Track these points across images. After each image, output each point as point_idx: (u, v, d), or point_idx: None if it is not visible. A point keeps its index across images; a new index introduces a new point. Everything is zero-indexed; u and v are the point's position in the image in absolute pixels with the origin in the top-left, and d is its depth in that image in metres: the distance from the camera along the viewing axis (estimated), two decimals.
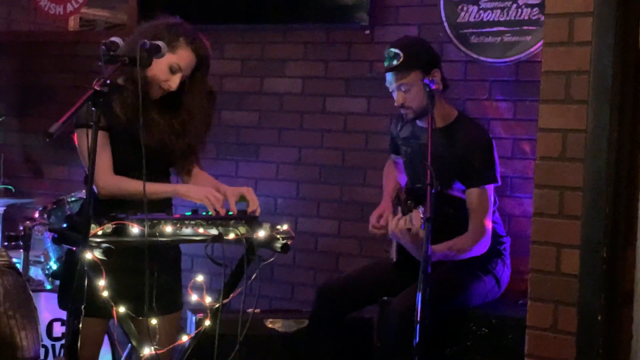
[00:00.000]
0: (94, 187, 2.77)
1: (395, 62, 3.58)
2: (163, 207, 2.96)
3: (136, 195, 2.77)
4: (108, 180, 2.86)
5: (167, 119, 2.97)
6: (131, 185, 2.84)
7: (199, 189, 2.90)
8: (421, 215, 3.12)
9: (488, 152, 3.60)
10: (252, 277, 2.77)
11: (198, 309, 3.68)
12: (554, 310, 2.87)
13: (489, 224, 3.59)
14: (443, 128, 3.62)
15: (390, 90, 3.67)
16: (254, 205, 2.85)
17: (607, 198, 2.75)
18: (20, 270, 4.03)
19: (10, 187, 3.92)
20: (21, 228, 4.16)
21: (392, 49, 3.60)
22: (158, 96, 2.97)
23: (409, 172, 3.86)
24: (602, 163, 2.75)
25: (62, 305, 2.99)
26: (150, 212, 2.67)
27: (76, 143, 2.90)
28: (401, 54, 3.56)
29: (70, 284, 2.53)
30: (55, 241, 2.69)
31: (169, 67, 2.90)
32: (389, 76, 3.63)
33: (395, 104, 3.66)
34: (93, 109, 2.47)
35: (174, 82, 2.93)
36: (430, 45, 3.76)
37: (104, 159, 2.85)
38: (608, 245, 2.76)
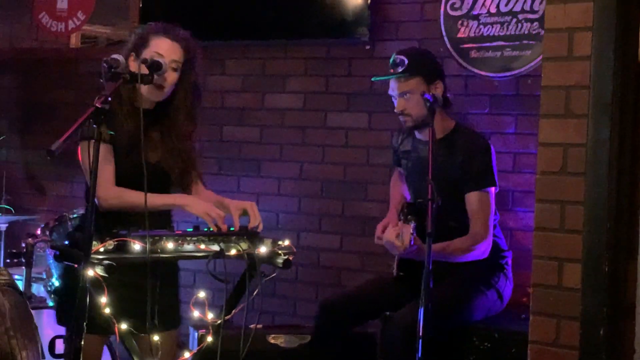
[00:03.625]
0: (95, 199, 2.77)
1: (399, 69, 3.60)
2: (163, 223, 2.95)
3: (137, 207, 2.76)
4: (109, 191, 2.85)
5: (165, 135, 2.97)
6: (132, 197, 2.82)
7: (200, 202, 2.88)
8: (411, 232, 3.13)
9: (486, 156, 3.61)
10: (254, 293, 2.77)
11: (200, 324, 3.68)
12: (557, 325, 2.87)
13: (489, 228, 3.57)
14: (442, 139, 3.63)
15: (392, 96, 3.68)
16: (255, 221, 2.84)
17: (608, 212, 2.76)
18: (23, 287, 4.06)
19: (9, 207, 3.92)
20: (23, 245, 4.15)
21: (397, 56, 3.63)
22: (150, 105, 2.95)
23: (410, 185, 3.87)
24: (603, 177, 2.75)
25: (60, 321, 2.99)
26: (151, 227, 2.67)
27: (79, 156, 2.90)
28: (406, 60, 3.58)
29: (70, 300, 2.53)
30: (57, 258, 2.68)
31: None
32: (392, 82, 3.65)
33: (395, 111, 3.67)
34: (94, 126, 2.47)
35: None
36: (435, 58, 3.77)
37: (106, 172, 2.83)
38: (610, 259, 2.76)
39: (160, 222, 2.90)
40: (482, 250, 3.56)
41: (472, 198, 3.59)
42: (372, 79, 3.91)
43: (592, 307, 2.77)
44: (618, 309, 2.79)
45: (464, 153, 3.60)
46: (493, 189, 3.62)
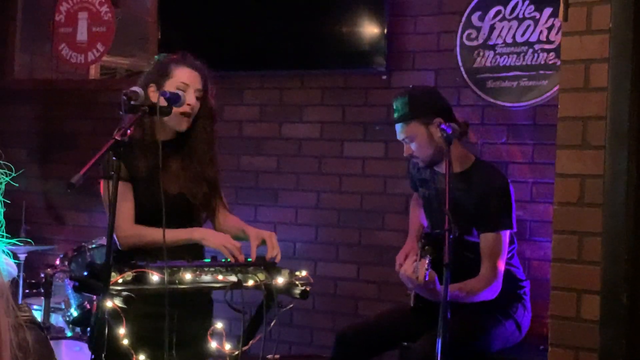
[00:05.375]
0: (115, 238, 2.79)
1: (396, 115, 3.61)
2: (195, 253, 2.91)
3: (156, 244, 2.77)
4: (128, 231, 2.87)
5: (185, 165, 2.99)
6: (149, 235, 2.85)
7: (216, 235, 2.89)
8: (425, 267, 3.13)
9: (504, 198, 3.59)
10: (272, 323, 2.77)
11: (218, 355, 3.67)
12: (575, 357, 2.85)
13: (501, 269, 3.54)
14: (460, 173, 3.61)
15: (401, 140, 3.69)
16: (273, 252, 2.85)
17: (627, 243, 2.74)
18: (41, 317, 4.08)
19: (28, 237, 3.95)
20: (42, 275, 4.17)
21: (395, 101, 3.63)
22: (172, 136, 2.97)
23: (428, 215, 3.86)
24: (621, 208, 2.74)
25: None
26: (178, 257, 2.68)
27: (102, 193, 2.92)
28: (400, 107, 3.59)
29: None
30: (76, 289, 2.71)
31: (176, 89, 2.90)
32: (396, 127, 3.66)
33: (404, 155, 3.67)
34: (114, 158, 2.50)
35: (190, 98, 2.91)
36: (435, 92, 3.74)
37: (125, 210, 2.85)
38: (628, 291, 2.74)
39: (192, 251, 2.88)
40: (492, 291, 3.53)
41: (485, 239, 3.56)
42: (375, 127, 3.91)
43: (611, 339, 2.75)
44: (637, 340, 2.77)
45: (481, 191, 3.57)
46: (508, 231, 3.60)
